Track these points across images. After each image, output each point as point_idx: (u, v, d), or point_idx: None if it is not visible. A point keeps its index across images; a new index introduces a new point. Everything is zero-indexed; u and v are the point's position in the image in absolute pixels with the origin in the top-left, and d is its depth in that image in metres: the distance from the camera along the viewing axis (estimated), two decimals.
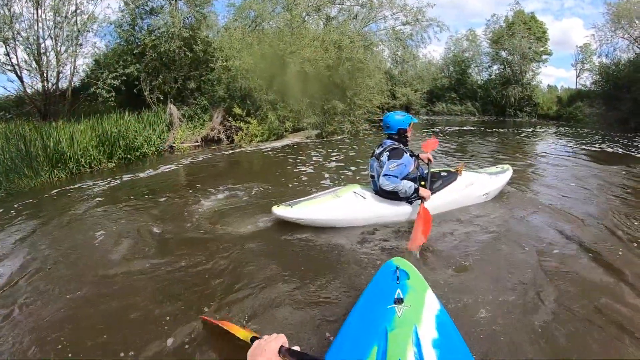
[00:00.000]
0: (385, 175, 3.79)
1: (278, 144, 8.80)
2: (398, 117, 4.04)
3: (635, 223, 3.93)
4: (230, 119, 9.04)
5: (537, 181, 5.83)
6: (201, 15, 9.86)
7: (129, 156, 7.45)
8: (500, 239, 3.61)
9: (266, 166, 7.03)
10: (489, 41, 24.69)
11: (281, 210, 3.97)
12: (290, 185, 5.27)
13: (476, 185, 4.68)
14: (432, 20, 16.19)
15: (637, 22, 22.02)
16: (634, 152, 8.34)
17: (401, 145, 3.99)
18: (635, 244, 3.39)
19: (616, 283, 2.79)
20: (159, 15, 9.62)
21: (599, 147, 9.88)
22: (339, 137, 10.13)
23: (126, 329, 2.28)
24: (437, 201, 4.29)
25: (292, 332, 2.39)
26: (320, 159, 6.92)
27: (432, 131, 13.32)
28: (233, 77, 9.10)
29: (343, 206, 4.10)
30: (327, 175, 5.74)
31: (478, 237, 3.75)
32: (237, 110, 8.85)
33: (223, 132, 9.07)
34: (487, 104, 22.48)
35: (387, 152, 3.91)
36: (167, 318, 2.36)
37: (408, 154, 3.98)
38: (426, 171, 4.26)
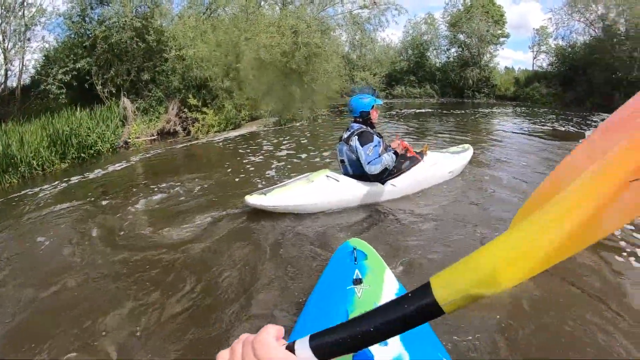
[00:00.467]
0: (368, 163, 3.94)
1: (235, 133, 8.75)
2: (362, 101, 4.12)
3: None
4: (186, 110, 8.96)
5: (495, 158, 6.28)
6: (154, 3, 9.52)
7: (82, 155, 7.22)
8: (465, 215, 3.88)
9: (216, 158, 6.88)
10: (447, 24, 25.18)
11: (255, 199, 3.97)
12: (236, 180, 5.18)
13: (440, 164, 4.90)
14: (390, 4, 16.25)
15: (593, 5, 22.98)
16: (586, 129, 9.19)
17: (368, 128, 4.09)
18: None
19: None
20: (110, 4, 9.24)
21: (552, 126, 10.72)
22: (298, 124, 10.20)
23: (72, 336, 2.28)
24: (407, 181, 4.50)
25: (253, 322, 2.45)
26: (271, 148, 7.01)
27: (390, 114, 13.60)
28: (188, 66, 8.98)
29: (317, 191, 4.15)
30: (274, 165, 5.84)
31: (442, 215, 3.94)
32: (192, 101, 8.79)
33: (179, 124, 8.98)
34: (446, 86, 23.04)
35: (356, 137, 3.99)
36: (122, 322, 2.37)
37: (375, 135, 4.07)
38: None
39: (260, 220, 3.90)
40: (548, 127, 10.20)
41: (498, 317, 2.36)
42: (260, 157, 6.39)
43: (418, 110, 15.28)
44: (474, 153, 5.59)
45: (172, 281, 2.76)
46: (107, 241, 3.48)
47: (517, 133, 9.35)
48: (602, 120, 11.12)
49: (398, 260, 3.00)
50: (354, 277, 1.87)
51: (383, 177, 4.22)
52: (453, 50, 25.06)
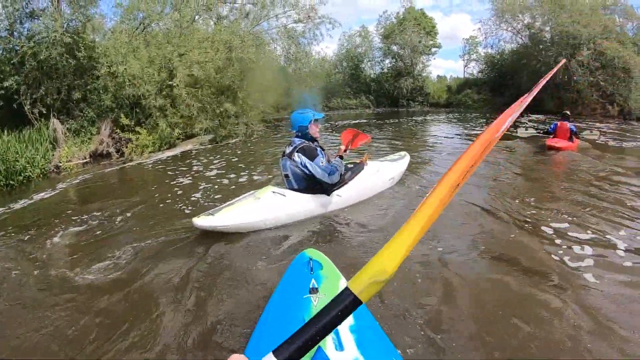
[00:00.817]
0: (329, 174, 4.13)
1: (170, 153, 8.69)
2: (299, 116, 4.23)
3: (504, 180, 5.86)
4: (119, 130, 8.72)
5: (431, 163, 7.10)
6: (85, 17, 9.18)
7: (11, 182, 6.76)
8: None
9: (147, 181, 6.59)
10: (380, 36, 26.40)
11: (203, 221, 3.88)
12: (161, 205, 4.97)
13: (382, 172, 5.18)
14: (325, 18, 16.95)
15: (520, 15, 24.92)
16: (513, 131, 9.75)
17: (309, 143, 4.19)
18: (498, 198, 4.81)
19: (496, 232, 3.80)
20: (40, 18, 8.86)
21: (482, 129, 11.60)
22: (233, 141, 10.30)
23: None
24: (351, 190, 4.68)
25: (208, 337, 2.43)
26: (201, 168, 7.00)
27: (326, 126, 14.17)
28: (120, 84, 8.72)
29: (265, 207, 4.13)
30: (202, 186, 5.74)
31: (386, 222, 4.19)
32: (124, 120, 8.59)
33: (112, 145, 8.67)
34: (381, 96, 24.10)
35: (299, 152, 4.09)
36: None
37: (319, 149, 4.18)
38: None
39: (204, 240, 3.85)
40: (477, 131, 11.77)
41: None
42: (190, 178, 6.26)
43: (354, 121, 16.03)
44: (411, 159, 6.00)
45: (113, 323, 2.57)
46: (21, 285, 3.10)
47: (450, 138, 10.67)
48: (530, 121, 12.84)
49: (351, 267, 2.95)
50: (311, 287, 1.92)
51: (328, 188, 4.34)
52: (387, 61, 26.37)
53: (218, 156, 8.07)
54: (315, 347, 1.21)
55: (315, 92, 18.29)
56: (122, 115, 8.76)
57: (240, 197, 4.41)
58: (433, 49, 27.64)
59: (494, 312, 2.53)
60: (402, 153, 6.05)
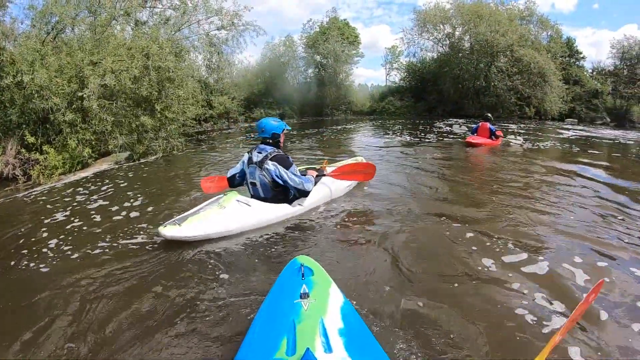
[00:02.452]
0: (307, 182, 4.46)
1: (83, 174, 8.06)
2: (273, 123, 4.45)
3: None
4: (24, 150, 7.95)
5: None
6: None
7: None
8: (371, 219, 4.86)
9: (22, 219, 5.21)
10: (304, 46, 26.99)
11: (169, 231, 3.94)
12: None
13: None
14: (249, 25, 17.08)
15: (441, 25, 26.60)
16: (430, 134, 12.25)
17: (281, 152, 4.41)
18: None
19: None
20: None
21: (406, 134, 14.56)
22: (152, 158, 9.96)
23: None
24: (315, 197, 4.98)
25: (203, 341, 2.56)
26: (82, 199, 6.04)
27: (250, 136, 14.33)
28: (28, 96, 8.04)
29: (231, 216, 4.26)
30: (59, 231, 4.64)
31: (353, 223, 4.69)
32: (30, 139, 7.90)
33: (19, 166, 7.75)
34: (305, 106, 24.56)
35: (273, 161, 4.29)
36: None
37: (290, 158, 4.43)
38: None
39: (171, 249, 3.93)
40: (401, 138, 13.21)
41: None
42: (66, 214, 5.28)
43: None
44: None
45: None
46: None
47: (380, 144, 12.24)
48: (451, 125, 16.49)
49: (338, 271, 3.42)
50: (301, 292, 1.97)
51: (292, 198, 4.65)
52: (310, 70, 26.88)
53: (124, 180, 7.39)
54: (304, 349, 1.41)
55: (237, 103, 18.25)
56: (27, 132, 8.06)
57: (205, 204, 4.50)
58: (356, 58, 28.76)
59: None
60: (359, 158, 6.65)
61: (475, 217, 4.76)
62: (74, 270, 3.58)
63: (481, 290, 3.11)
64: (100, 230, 4.62)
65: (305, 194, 4.62)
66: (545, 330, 2.57)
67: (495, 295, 3.03)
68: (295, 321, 1.76)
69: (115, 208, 5.47)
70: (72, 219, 5.08)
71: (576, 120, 21.35)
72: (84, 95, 8.32)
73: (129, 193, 6.30)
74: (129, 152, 9.84)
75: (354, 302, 2.66)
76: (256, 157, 4.42)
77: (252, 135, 14.82)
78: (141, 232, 4.47)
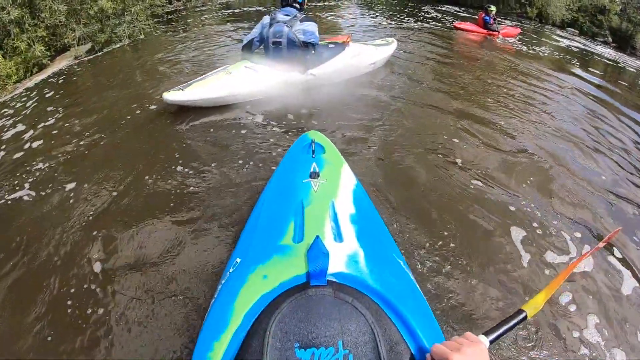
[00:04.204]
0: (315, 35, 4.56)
1: (40, 77, 7.15)
2: None
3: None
4: None
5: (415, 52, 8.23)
6: None
7: None
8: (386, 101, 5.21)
9: None
10: None
11: (172, 95, 4.20)
12: None
13: (363, 55, 5.53)
14: None
15: None
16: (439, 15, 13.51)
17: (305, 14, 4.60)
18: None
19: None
20: None
21: (419, 14, 14.77)
22: (117, 46, 8.94)
23: None
24: (327, 70, 5.00)
25: (215, 214, 2.84)
26: (43, 107, 5.34)
27: (230, 13, 13.01)
28: None
29: (236, 82, 4.43)
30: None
31: (367, 99, 5.13)
32: None
33: None
34: None
35: (302, 21, 4.52)
36: None
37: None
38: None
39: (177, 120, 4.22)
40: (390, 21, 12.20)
41: None
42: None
43: (261, 9, 14.50)
44: (399, 46, 6.55)
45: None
46: None
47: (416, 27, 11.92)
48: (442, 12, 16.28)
49: (350, 148, 3.85)
50: (311, 171, 1.90)
51: (305, 65, 4.76)
52: None
53: (84, 77, 6.86)
54: (314, 237, 1.39)
55: None
56: None
57: (213, 72, 4.67)
58: None
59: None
60: (390, 39, 6.44)
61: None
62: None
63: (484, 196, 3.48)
64: (76, 131, 4.50)
65: (307, 63, 4.76)
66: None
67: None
68: (303, 203, 1.68)
69: (80, 109, 5.21)
70: (34, 132, 4.66)
71: (577, 31, 20.35)
72: None
73: (91, 91, 5.99)
74: (90, 43, 8.74)
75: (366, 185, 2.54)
76: (282, 18, 4.51)
77: (230, 12, 13.68)
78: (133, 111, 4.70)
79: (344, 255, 1.39)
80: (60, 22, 7.88)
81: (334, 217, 1.60)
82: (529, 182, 3.75)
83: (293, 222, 1.57)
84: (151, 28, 10.30)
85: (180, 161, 3.62)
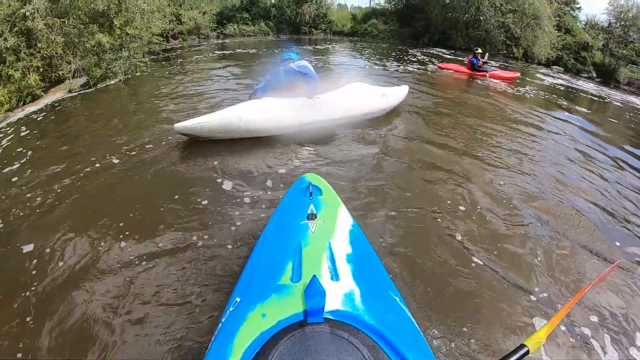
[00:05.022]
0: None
1: (32, 107, 6.83)
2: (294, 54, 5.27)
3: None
4: None
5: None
6: None
7: None
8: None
9: None
10: None
11: (181, 124, 4.43)
12: None
13: (369, 95, 5.89)
14: None
15: None
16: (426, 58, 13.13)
17: None
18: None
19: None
20: None
21: (407, 57, 15.17)
22: (113, 82, 8.73)
23: None
24: (334, 97, 5.34)
25: (215, 255, 2.78)
26: (30, 139, 5.14)
27: (224, 54, 13.14)
28: None
29: (244, 110, 4.62)
30: None
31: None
32: None
33: None
34: (282, 23, 22.85)
35: (303, 62, 5.09)
36: None
37: None
38: None
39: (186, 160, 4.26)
40: (403, 60, 12.35)
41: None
42: None
43: (252, 50, 14.80)
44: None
45: None
46: None
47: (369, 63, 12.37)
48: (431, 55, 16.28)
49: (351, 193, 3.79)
50: (309, 212, 1.94)
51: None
52: None
53: (75, 113, 6.51)
54: (311, 277, 1.39)
55: (208, 18, 16.74)
56: None
57: (223, 108, 4.84)
58: None
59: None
60: (403, 86, 6.77)
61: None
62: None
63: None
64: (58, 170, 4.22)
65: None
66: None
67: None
68: (301, 244, 1.70)
69: (63, 147, 4.90)
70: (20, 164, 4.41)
71: (562, 69, 20.95)
72: (27, 14, 6.99)
73: (82, 128, 5.65)
74: (85, 77, 8.56)
75: (362, 225, 2.53)
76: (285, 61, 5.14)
77: (224, 52, 13.75)
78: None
79: (340, 293, 1.42)
80: (56, 53, 7.70)
81: (331, 257, 1.64)
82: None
83: (291, 263, 1.61)
84: (147, 66, 10.24)
85: (178, 202, 3.55)
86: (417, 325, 1.55)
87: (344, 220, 2.00)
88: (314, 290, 1.32)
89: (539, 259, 3.19)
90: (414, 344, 1.34)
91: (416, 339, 1.42)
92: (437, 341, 2.30)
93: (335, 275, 1.53)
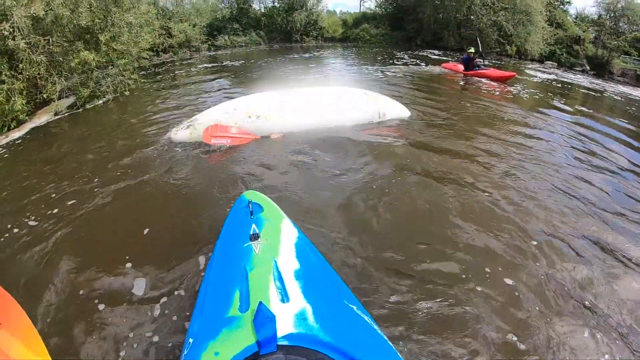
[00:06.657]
0: None
1: (17, 133, 6.31)
2: None
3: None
4: None
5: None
6: None
7: None
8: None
9: None
10: None
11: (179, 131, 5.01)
12: None
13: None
14: None
15: None
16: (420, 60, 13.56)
17: None
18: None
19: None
20: None
21: (397, 60, 14.99)
22: (101, 102, 8.24)
23: None
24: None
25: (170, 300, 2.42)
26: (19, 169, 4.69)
27: (217, 66, 12.84)
28: None
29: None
30: None
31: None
32: None
33: None
34: (273, 32, 22.66)
35: None
36: None
37: None
38: None
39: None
40: (394, 62, 13.34)
41: None
42: None
43: (242, 61, 14.39)
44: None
45: None
46: None
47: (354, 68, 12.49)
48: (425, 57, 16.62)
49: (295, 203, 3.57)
50: (251, 233, 1.85)
51: None
52: None
53: (62, 138, 6.00)
54: (257, 304, 1.30)
55: (199, 31, 16.43)
56: None
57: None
58: None
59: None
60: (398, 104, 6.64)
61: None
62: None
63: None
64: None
65: None
66: None
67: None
68: (247, 268, 1.62)
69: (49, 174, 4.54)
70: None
71: (556, 63, 20.76)
72: (5, 32, 6.50)
73: (68, 154, 5.22)
74: (72, 98, 8.10)
75: (311, 234, 2.43)
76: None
77: (215, 65, 13.36)
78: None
79: (291, 315, 1.36)
80: (39, 74, 7.21)
81: (279, 277, 1.57)
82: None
83: (238, 291, 1.53)
84: (138, 82, 9.73)
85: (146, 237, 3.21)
86: (379, 330, 1.49)
87: (289, 234, 1.92)
88: (262, 318, 1.26)
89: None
90: (378, 350, 1.31)
91: (379, 344, 1.38)
92: (404, 341, 2.12)
93: (285, 296, 1.46)
